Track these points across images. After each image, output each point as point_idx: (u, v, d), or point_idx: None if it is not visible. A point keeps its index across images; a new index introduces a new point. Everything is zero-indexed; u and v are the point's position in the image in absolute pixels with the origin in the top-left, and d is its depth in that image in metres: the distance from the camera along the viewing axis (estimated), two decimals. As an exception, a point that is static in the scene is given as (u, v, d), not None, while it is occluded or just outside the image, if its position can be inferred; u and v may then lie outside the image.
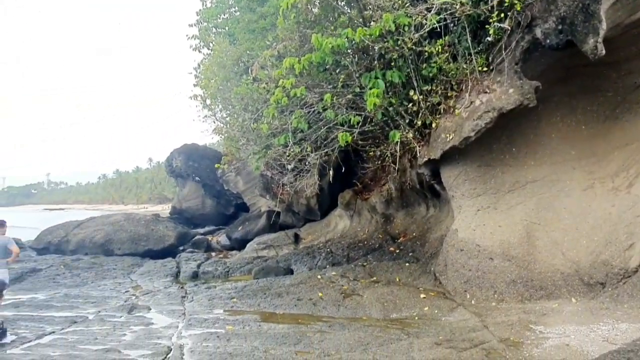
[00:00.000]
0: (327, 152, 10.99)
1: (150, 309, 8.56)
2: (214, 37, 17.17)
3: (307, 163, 12.60)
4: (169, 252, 16.12)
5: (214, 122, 18.08)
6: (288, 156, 11.26)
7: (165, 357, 5.66)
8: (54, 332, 7.14)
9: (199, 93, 16.93)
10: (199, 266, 13.21)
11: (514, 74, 7.72)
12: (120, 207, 79.71)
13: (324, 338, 6.13)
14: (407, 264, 9.97)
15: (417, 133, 9.24)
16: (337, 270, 10.26)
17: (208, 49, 17.50)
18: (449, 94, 8.59)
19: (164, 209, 45.19)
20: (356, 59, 9.51)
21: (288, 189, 15.13)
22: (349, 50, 9.49)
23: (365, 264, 10.69)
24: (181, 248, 16.86)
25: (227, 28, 16.87)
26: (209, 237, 18.97)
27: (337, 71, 9.81)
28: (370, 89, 8.38)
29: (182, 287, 10.81)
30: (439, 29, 8.31)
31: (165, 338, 6.59)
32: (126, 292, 10.40)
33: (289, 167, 13.46)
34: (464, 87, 8.45)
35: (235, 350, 5.79)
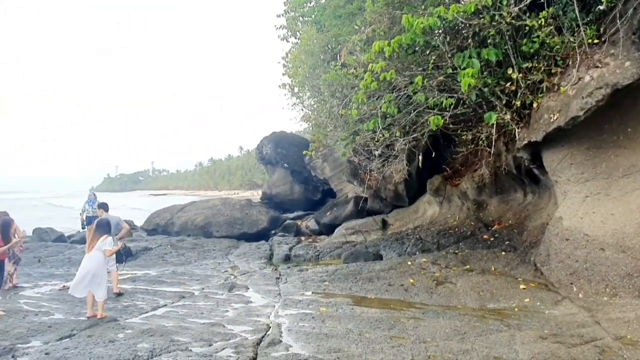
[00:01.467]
0: (416, 137, 10.75)
1: (248, 289, 9.07)
2: (301, 25, 17.48)
3: (395, 148, 12.46)
4: (261, 235, 16.94)
5: (302, 110, 18.55)
6: (376, 142, 11.20)
7: (265, 335, 5.95)
8: (165, 305, 7.86)
9: (287, 82, 17.44)
10: (290, 249, 13.71)
11: (631, 45, 6.91)
12: (215, 192, 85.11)
13: (418, 325, 6.07)
14: (503, 253, 9.50)
15: (515, 114, 8.70)
16: (427, 257, 10.07)
17: (295, 38, 17.88)
18: (552, 71, 7.94)
19: (254, 195, 47.39)
20: (448, 39, 9.13)
21: (375, 174, 15.11)
22: (440, 30, 9.14)
23: (457, 251, 10.36)
24: (273, 232, 17.60)
25: (313, 16, 17.07)
26: (298, 222, 19.56)
27: (428, 52, 9.49)
28: (464, 69, 8.02)
29: (275, 269, 11.31)
30: (541, 0, 7.69)
31: (264, 316, 6.95)
32: (225, 271, 11.12)
33: (377, 153, 13.39)
34: (570, 63, 7.75)
35: (331, 331, 5.94)
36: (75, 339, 5.87)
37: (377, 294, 8.10)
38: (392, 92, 9.83)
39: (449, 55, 8.87)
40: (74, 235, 17.61)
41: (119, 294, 8.42)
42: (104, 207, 9.58)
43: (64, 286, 9.22)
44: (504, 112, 8.61)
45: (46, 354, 5.20)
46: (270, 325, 6.42)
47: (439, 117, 8.77)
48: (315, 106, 16.65)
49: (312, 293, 8.47)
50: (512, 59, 8.26)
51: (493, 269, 8.80)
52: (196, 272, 10.96)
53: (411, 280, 8.45)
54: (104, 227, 7.38)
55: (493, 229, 11.20)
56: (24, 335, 6.10)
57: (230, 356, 4.98)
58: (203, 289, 9.09)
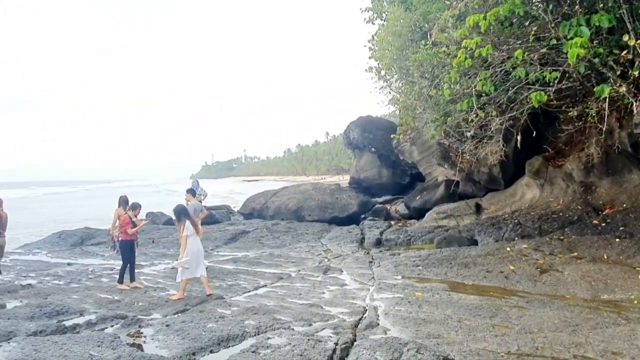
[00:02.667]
0: (514, 115, 10.11)
1: (342, 271, 9.27)
2: (387, 6, 17.10)
3: (489, 129, 11.85)
4: (352, 219, 17.14)
5: (390, 93, 18.27)
6: (471, 122, 10.71)
7: (362, 317, 6.05)
8: (265, 285, 8.31)
9: (373, 65, 17.22)
10: (381, 233, 13.73)
11: None
12: (303, 178, 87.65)
13: (522, 314, 5.80)
14: (617, 240, 8.67)
15: (632, 86, 7.81)
16: (528, 243, 9.53)
17: (381, 19, 17.54)
18: (679, 34, 7.00)
19: (341, 180, 47.89)
20: (550, 7, 8.40)
21: (468, 157, 14.53)
22: (539, -1, 8.45)
23: (562, 237, 9.66)
24: (362, 216, 17.72)
25: (399, -5, 16.58)
26: (387, 206, 19.47)
27: (527, 24, 8.83)
28: (571, 38, 7.34)
29: (367, 253, 11.42)
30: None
31: (359, 299, 7.07)
32: (319, 254, 11.45)
33: (469, 134, 12.85)
34: (703, 23, 6.77)
35: (428, 316, 5.89)
36: (189, 313, 6.44)
37: (475, 280, 7.85)
38: (488, 69, 9.31)
39: (552, 25, 8.17)
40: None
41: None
42: (191, 192, 10.37)
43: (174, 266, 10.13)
44: (618, 84, 7.78)
45: (167, 325, 5.77)
46: (367, 308, 6.52)
47: (542, 92, 8.16)
48: (403, 88, 16.30)
49: (406, 277, 8.44)
50: (628, 24, 7.41)
51: (605, 257, 8.09)
52: (291, 254, 11.43)
53: (511, 267, 8.07)
54: (186, 213, 7.90)
55: (604, 213, 10.26)
56: (146, 308, 6.83)
57: (330, 337, 5.14)
58: (299, 270, 9.47)
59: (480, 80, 8.97)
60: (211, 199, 32.73)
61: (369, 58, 18.01)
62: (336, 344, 4.85)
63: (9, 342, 5.28)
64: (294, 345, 4.79)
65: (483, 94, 9.68)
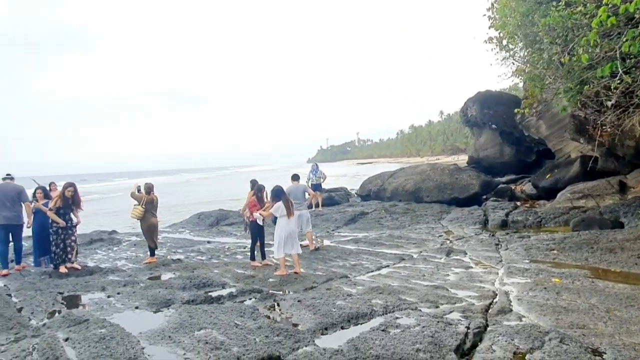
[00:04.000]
0: (670, 78, 8.71)
1: (466, 254, 8.96)
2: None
3: (636, 96, 10.37)
4: (473, 200, 16.38)
5: (513, 64, 16.89)
6: (614, 89, 9.48)
7: (492, 302, 5.80)
8: (388, 265, 8.38)
9: (494, 35, 16.02)
10: (507, 215, 12.91)
11: None
12: (417, 159, 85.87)
13: (690, 307, 5.07)
14: None
15: None
16: (691, 226, 8.23)
17: (503, -16, 16.17)
18: None
19: (456, 160, 45.90)
20: None
21: (608, 129, 12.94)
22: None
23: None
24: (484, 197, 16.85)
25: (523, -46, 15.09)
26: (512, 186, 18.25)
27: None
28: None
29: (492, 235, 10.85)
30: None
31: (487, 283, 6.78)
32: (440, 236, 11.18)
33: (610, 103, 11.40)
34: None
35: (569, 305, 5.43)
36: (318, 290, 6.77)
37: (624, 267, 7.02)
38: (636, 27, 8.10)
39: None
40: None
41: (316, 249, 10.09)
42: (294, 177, 10.73)
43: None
44: None
45: (298, 301, 6.15)
46: (497, 292, 6.23)
47: None
48: (529, 57, 14.92)
49: (539, 262, 7.87)
50: None
51: None
52: (411, 235, 11.33)
53: (670, 254, 7.06)
54: (279, 194, 8.18)
55: None
56: (277, 284, 7.35)
57: (460, 320, 5.03)
58: (420, 252, 9.36)
59: (627, 40, 7.82)
60: (331, 181, 33.80)
61: (489, 28, 16.78)
62: (468, 328, 4.73)
63: (168, 308, 6.11)
64: (423, 327, 4.79)
65: (629, 57, 8.49)
